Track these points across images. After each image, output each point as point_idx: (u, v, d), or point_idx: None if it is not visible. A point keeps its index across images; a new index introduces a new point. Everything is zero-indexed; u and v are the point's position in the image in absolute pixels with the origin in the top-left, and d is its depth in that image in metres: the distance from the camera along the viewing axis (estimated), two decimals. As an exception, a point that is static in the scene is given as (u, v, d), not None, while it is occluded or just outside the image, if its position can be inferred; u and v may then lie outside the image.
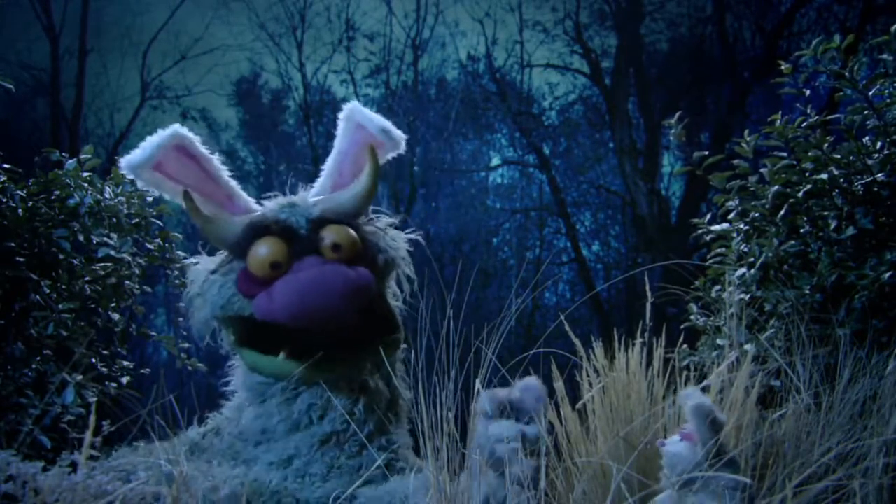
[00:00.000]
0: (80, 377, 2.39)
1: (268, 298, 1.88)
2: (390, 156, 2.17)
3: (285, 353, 1.90)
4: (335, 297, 1.85)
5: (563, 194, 11.51)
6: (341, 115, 2.15)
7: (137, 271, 2.75)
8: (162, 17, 11.21)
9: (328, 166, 2.17)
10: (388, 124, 2.10)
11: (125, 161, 2.01)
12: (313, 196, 2.13)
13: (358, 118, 2.11)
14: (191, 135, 2.04)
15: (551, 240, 11.95)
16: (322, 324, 1.87)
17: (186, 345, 3.00)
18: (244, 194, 2.16)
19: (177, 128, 2.01)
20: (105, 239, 2.56)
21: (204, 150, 2.07)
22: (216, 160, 2.09)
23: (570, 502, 1.57)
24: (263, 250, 1.92)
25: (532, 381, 1.71)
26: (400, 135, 2.12)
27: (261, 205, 2.14)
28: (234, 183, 2.13)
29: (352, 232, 2.00)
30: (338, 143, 2.15)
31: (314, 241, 1.95)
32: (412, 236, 2.17)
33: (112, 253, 2.53)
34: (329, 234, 1.96)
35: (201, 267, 2.09)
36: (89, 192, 2.56)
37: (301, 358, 1.89)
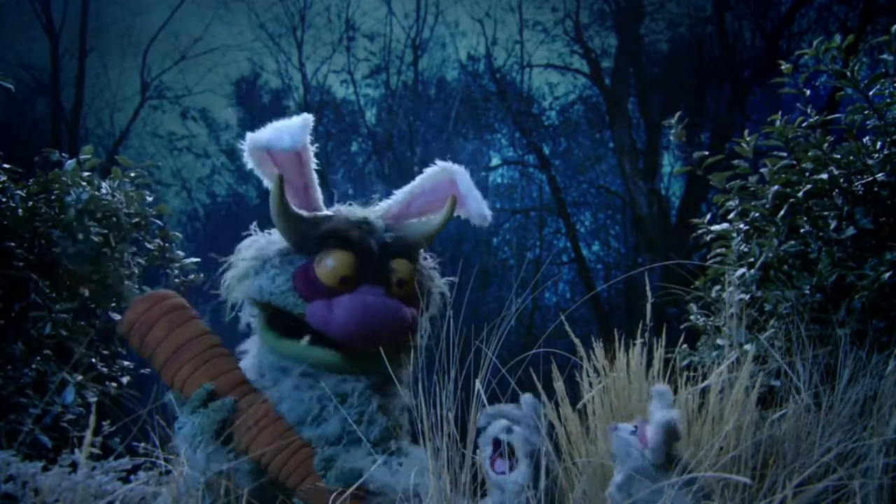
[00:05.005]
0: (80, 377, 2.39)
1: (326, 309, 1.92)
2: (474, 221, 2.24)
3: (308, 340, 1.95)
4: (389, 332, 1.93)
5: (563, 194, 11.51)
6: (439, 167, 2.20)
7: (137, 271, 2.75)
8: (162, 17, 11.21)
9: (402, 196, 2.22)
10: (486, 210, 2.19)
11: (257, 139, 1.97)
12: (376, 211, 2.17)
13: (458, 182, 2.17)
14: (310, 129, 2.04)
15: (551, 240, 11.95)
16: (367, 348, 1.92)
17: None
18: (318, 189, 2.17)
19: (308, 122, 2.00)
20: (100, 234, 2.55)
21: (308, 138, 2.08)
22: (310, 149, 2.10)
23: (570, 502, 1.57)
24: (337, 262, 1.96)
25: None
26: (487, 216, 2.20)
27: (327, 207, 2.15)
28: (315, 175, 2.15)
29: (413, 270, 2.07)
30: (421, 182, 2.21)
31: (383, 270, 2.01)
32: (446, 281, 2.22)
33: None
34: (398, 269, 2.03)
35: (259, 244, 2.08)
36: (86, 188, 2.56)
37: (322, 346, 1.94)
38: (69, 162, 2.63)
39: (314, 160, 2.12)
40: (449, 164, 2.19)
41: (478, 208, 2.18)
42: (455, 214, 2.17)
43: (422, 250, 2.18)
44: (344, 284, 1.95)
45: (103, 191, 2.62)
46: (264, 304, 2.02)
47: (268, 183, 2.05)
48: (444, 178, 2.20)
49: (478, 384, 1.69)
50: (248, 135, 2.00)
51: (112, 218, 2.62)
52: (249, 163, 2.05)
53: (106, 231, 2.59)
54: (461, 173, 2.18)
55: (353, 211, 2.10)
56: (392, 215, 2.19)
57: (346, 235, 1.99)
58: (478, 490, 1.65)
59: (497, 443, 1.68)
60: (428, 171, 2.21)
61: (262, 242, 2.08)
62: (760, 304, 2.30)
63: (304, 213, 2.04)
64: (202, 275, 3.01)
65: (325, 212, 2.10)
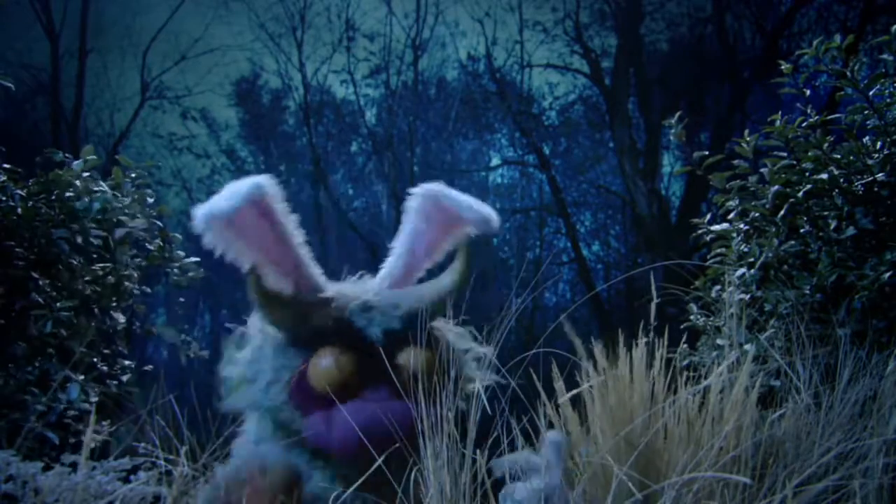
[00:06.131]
0: (81, 376, 2.39)
1: (325, 425, 1.67)
2: (474, 233, 1.93)
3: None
4: (396, 441, 1.62)
5: (563, 194, 11.52)
6: (419, 192, 1.91)
7: (136, 274, 2.76)
8: (162, 17, 11.23)
9: (400, 246, 1.94)
10: (487, 210, 1.90)
11: (203, 212, 1.68)
12: (382, 279, 1.91)
13: (444, 199, 1.88)
14: (272, 189, 1.77)
15: (551, 240, 11.97)
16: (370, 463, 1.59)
17: (189, 339, 3.03)
18: (313, 265, 1.89)
19: (261, 181, 1.73)
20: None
21: (282, 207, 1.81)
22: (292, 221, 1.84)
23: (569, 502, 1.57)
24: (333, 366, 1.68)
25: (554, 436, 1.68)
26: (490, 215, 1.90)
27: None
28: (305, 250, 1.86)
29: (431, 356, 1.75)
30: (412, 222, 1.92)
31: (390, 366, 1.70)
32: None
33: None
34: (410, 362, 1.72)
35: (255, 341, 1.82)
36: (95, 195, 2.56)
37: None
38: (76, 163, 2.63)
39: (297, 232, 1.84)
40: (423, 188, 1.91)
41: (477, 215, 1.88)
42: (468, 233, 1.91)
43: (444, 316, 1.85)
44: (343, 390, 1.66)
45: (109, 195, 2.62)
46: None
47: (240, 259, 1.77)
48: (427, 204, 1.91)
49: (477, 384, 1.69)
50: (193, 213, 1.71)
51: (113, 220, 2.62)
52: (215, 247, 1.72)
53: (106, 234, 2.59)
54: (441, 191, 1.89)
55: (353, 291, 1.82)
56: (398, 278, 1.92)
57: (342, 331, 1.71)
58: (478, 490, 1.65)
59: None
60: (408, 205, 1.92)
61: (258, 339, 1.81)
62: (760, 304, 2.31)
63: (296, 295, 1.77)
64: (202, 271, 3.02)
65: (322, 293, 1.83)
